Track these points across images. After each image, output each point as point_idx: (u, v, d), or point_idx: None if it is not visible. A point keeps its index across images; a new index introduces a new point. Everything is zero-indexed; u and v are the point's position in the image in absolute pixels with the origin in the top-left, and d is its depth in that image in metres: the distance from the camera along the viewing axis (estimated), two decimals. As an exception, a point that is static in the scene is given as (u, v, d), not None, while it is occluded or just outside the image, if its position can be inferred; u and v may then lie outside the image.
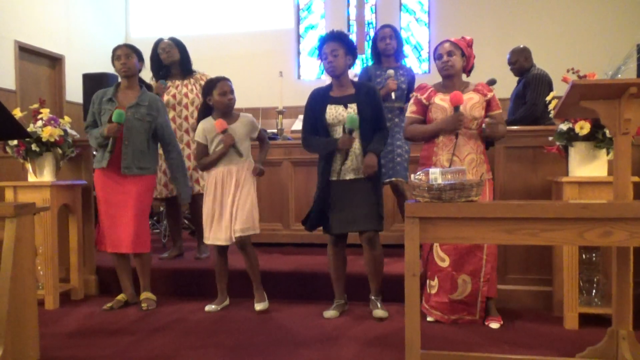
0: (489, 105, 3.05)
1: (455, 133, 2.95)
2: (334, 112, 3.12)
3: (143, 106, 3.41)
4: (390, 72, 3.82)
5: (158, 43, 4.17)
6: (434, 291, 3.09)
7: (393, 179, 3.78)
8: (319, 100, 3.19)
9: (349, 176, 3.10)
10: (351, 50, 3.16)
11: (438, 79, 3.20)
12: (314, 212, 3.19)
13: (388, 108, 3.71)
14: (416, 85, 3.38)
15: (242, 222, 3.24)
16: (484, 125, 3.01)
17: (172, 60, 4.11)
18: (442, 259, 3.06)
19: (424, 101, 3.10)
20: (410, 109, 3.17)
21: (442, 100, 3.04)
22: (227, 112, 3.33)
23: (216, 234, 3.29)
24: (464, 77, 3.17)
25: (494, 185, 3.13)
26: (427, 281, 3.13)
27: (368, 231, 3.12)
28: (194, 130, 4.00)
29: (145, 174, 3.44)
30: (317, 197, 3.18)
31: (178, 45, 4.13)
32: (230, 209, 3.26)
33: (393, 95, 3.78)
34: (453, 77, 3.08)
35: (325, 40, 3.14)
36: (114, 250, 3.42)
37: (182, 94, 4.07)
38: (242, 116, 3.39)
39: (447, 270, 3.03)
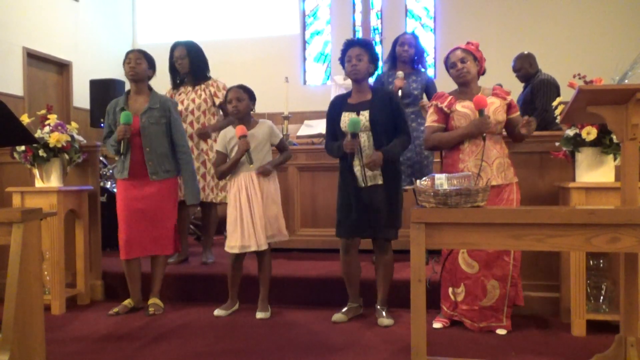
0: (509, 108, 3.06)
1: (482, 136, 2.94)
2: (347, 119, 3.12)
3: (155, 109, 3.42)
4: (400, 73, 3.85)
5: (174, 48, 4.15)
6: (460, 298, 3.06)
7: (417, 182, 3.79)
8: (336, 107, 3.23)
9: (369, 182, 3.10)
10: (374, 60, 3.18)
11: (444, 85, 3.19)
12: (343, 220, 3.17)
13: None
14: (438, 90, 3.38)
15: (270, 229, 3.28)
16: (519, 126, 2.99)
17: (184, 70, 4.13)
18: (471, 266, 3.02)
19: (445, 109, 3.06)
20: (431, 118, 3.11)
21: (464, 107, 3.01)
22: (241, 118, 3.34)
23: (240, 241, 3.26)
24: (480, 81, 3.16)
25: (520, 188, 3.10)
26: (451, 289, 3.09)
27: (381, 239, 3.12)
28: (199, 136, 4.03)
29: (171, 177, 3.47)
30: (341, 204, 3.18)
31: (189, 53, 4.09)
32: (255, 216, 3.25)
33: (400, 93, 3.78)
34: (470, 83, 3.07)
35: (352, 44, 3.18)
36: (140, 254, 3.44)
37: (190, 100, 4.08)
38: (261, 122, 3.42)
39: (476, 276, 3.01)
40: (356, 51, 3.13)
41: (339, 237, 3.21)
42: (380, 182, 3.10)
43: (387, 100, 3.13)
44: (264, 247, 3.27)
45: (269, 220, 3.29)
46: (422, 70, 4.07)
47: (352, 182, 3.13)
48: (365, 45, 3.17)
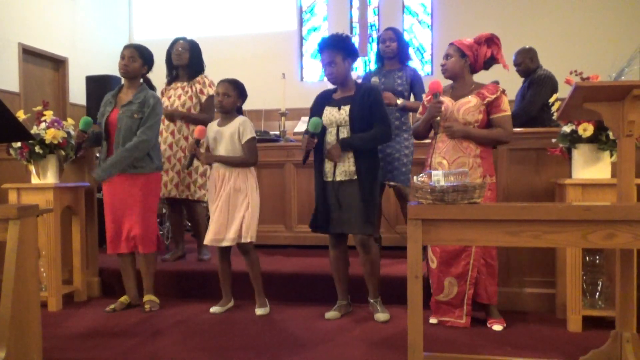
0: (490, 108, 3.00)
1: (435, 122, 2.97)
2: (328, 113, 3.13)
3: (135, 103, 3.38)
4: (375, 79, 3.85)
5: (175, 42, 4.15)
6: (432, 291, 3.14)
7: (392, 182, 3.79)
8: (320, 102, 3.22)
9: (340, 177, 3.10)
10: (349, 53, 3.12)
11: (443, 81, 3.19)
12: (315, 213, 3.20)
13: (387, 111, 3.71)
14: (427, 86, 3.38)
15: (237, 230, 3.25)
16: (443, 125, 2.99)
17: (181, 63, 4.11)
18: (432, 260, 3.10)
19: (426, 103, 3.12)
20: (419, 110, 3.24)
21: (448, 101, 3.05)
22: (224, 112, 3.36)
23: (214, 235, 3.29)
24: (476, 77, 3.14)
25: (496, 192, 3.09)
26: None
27: (357, 235, 3.11)
28: (180, 132, 4.02)
29: (146, 172, 3.39)
30: (316, 198, 3.21)
31: (191, 48, 4.11)
32: (228, 213, 3.27)
33: (400, 101, 3.78)
34: (456, 78, 3.09)
35: (321, 48, 3.12)
36: (124, 250, 3.43)
37: (176, 96, 4.08)
38: (237, 118, 3.37)
39: (435, 271, 3.08)
40: (326, 57, 3.08)
41: (322, 232, 3.21)
42: (355, 177, 3.07)
43: (367, 95, 3.09)
44: (231, 242, 3.26)
45: (234, 218, 3.26)
46: (407, 64, 4.01)
47: (325, 176, 3.14)
48: (333, 45, 3.08)
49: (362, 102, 3.08)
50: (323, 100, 3.20)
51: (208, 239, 3.32)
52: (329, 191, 3.13)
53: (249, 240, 3.27)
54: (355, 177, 3.06)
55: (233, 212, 3.27)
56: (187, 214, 4.26)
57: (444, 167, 2.97)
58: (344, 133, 3.09)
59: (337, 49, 3.08)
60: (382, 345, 2.75)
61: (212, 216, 3.34)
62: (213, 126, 3.40)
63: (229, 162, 3.30)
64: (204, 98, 4.05)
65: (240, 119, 3.36)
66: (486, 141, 3.01)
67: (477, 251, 2.98)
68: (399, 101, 3.79)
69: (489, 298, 3.04)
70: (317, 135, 3.07)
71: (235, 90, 3.35)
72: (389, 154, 3.77)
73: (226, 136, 3.32)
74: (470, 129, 2.98)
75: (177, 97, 4.08)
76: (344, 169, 3.09)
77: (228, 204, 3.27)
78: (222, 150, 3.32)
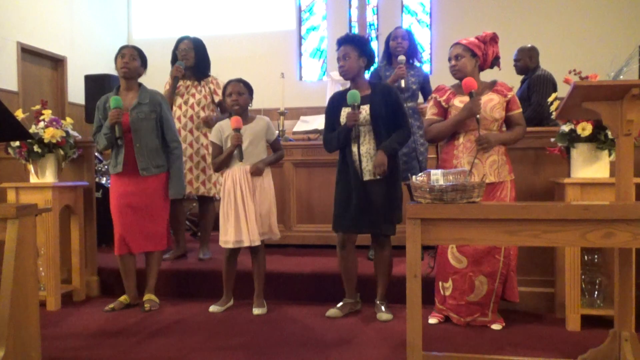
0: (508, 105, 3.03)
1: (476, 119, 2.91)
2: (346, 115, 3.10)
3: (145, 104, 3.40)
4: (402, 57, 3.82)
5: (179, 42, 4.17)
6: (448, 293, 3.08)
7: (409, 182, 3.80)
8: (335, 104, 3.21)
9: (366, 177, 3.09)
10: (365, 52, 3.14)
11: (441, 80, 3.19)
12: (339, 213, 3.16)
13: None
14: (433, 86, 3.37)
15: (261, 227, 3.28)
16: (478, 146, 2.96)
17: (187, 63, 4.12)
18: (459, 260, 3.04)
19: (443, 104, 3.08)
20: (431, 111, 3.14)
21: (461, 102, 3.01)
22: (239, 113, 3.34)
23: (233, 236, 3.25)
24: (482, 75, 3.13)
25: (515, 185, 3.10)
26: (440, 283, 3.12)
27: (380, 235, 3.12)
28: (198, 129, 4.04)
29: (162, 172, 3.44)
30: (338, 199, 3.17)
31: (196, 48, 4.13)
32: (249, 212, 3.24)
33: (402, 83, 3.77)
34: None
35: (339, 43, 3.16)
36: (136, 251, 3.43)
37: (190, 94, 4.09)
38: (259, 118, 3.41)
39: (464, 271, 3.02)
40: (342, 51, 3.12)
41: (335, 231, 3.21)
42: (378, 177, 3.08)
43: (386, 95, 3.11)
44: (257, 242, 3.26)
45: (261, 217, 3.29)
46: (418, 65, 4.06)
47: (351, 176, 3.10)
48: (352, 42, 3.12)
49: (382, 101, 3.08)
50: (338, 103, 3.19)
51: (230, 242, 3.25)
52: (354, 191, 3.10)
53: (277, 237, 3.37)
54: (379, 177, 3.07)
55: (259, 211, 3.28)
56: (200, 211, 4.27)
57: (478, 166, 2.96)
58: (365, 132, 3.09)
59: (354, 44, 3.12)
60: (382, 345, 2.75)
61: (228, 217, 3.27)
62: (226, 124, 3.36)
63: (272, 163, 3.43)
64: (217, 98, 4.09)
65: (262, 118, 3.41)
66: (514, 142, 3.06)
67: (507, 248, 2.98)
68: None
69: (514, 295, 3.05)
70: (359, 106, 3.06)
71: (246, 88, 3.37)
72: (405, 153, 3.78)
73: (249, 135, 3.31)
74: (501, 135, 3.01)
75: (191, 95, 4.09)
76: (369, 169, 3.09)
77: (251, 204, 3.25)
78: (245, 149, 3.29)
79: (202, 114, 4.06)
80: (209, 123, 4.01)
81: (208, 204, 4.18)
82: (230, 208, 3.27)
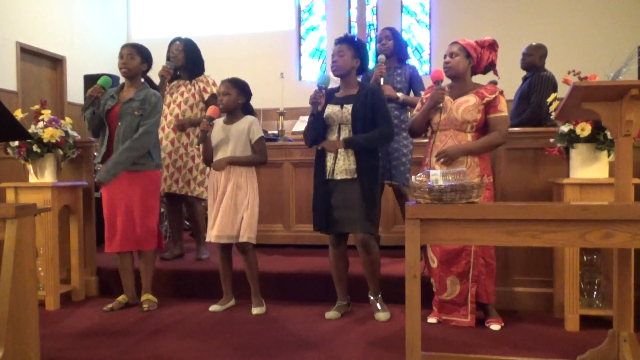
0: (488, 107, 3.00)
1: (438, 108, 2.96)
2: (330, 111, 3.13)
3: (137, 101, 3.38)
4: (381, 57, 3.82)
5: (171, 43, 4.18)
6: (434, 290, 3.13)
7: (392, 181, 3.80)
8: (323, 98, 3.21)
9: (340, 176, 3.10)
10: (360, 54, 3.16)
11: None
12: (315, 212, 3.19)
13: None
14: (424, 78, 3.40)
15: (236, 228, 3.26)
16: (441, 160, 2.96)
17: (177, 64, 4.13)
18: (432, 260, 3.10)
19: (425, 99, 3.13)
20: (417, 107, 3.23)
21: (448, 101, 3.04)
22: (227, 111, 3.37)
23: (218, 232, 3.27)
24: (475, 78, 3.13)
25: (493, 191, 3.08)
26: (432, 280, 3.16)
27: (359, 234, 3.10)
28: (180, 128, 4.03)
29: (146, 169, 3.38)
30: (314, 197, 3.20)
31: (186, 49, 4.12)
32: (224, 208, 3.26)
33: (382, 81, 3.77)
34: (457, 78, 3.07)
35: (336, 42, 3.19)
36: (123, 249, 3.41)
37: (179, 93, 4.11)
38: (245, 118, 3.39)
39: (436, 271, 3.08)
40: (338, 48, 3.15)
41: (315, 230, 3.22)
42: (355, 176, 3.07)
43: (370, 95, 3.11)
44: (233, 240, 3.26)
45: (235, 216, 3.27)
46: (405, 62, 4.01)
47: (326, 175, 3.13)
48: (348, 41, 3.16)
49: (365, 101, 3.08)
50: (326, 98, 3.20)
51: (212, 236, 3.29)
52: (329, 190, 3.13)
53: (246, 239, 3.27)
54: (356, 175, 3.06)
55: (234, 210, 3.27)
56: (187, 212, 4.27)
57: (443, 166, 2.96)
58: (346, 132, 3.09)
59: (351, 45, 3.15)
60: (381, 345, 2.76)
61: (211, 213, 3.33)
62: (219, 124, 3.38)
63: (241, 163, 3.31)
64: (206, 96, 4.08)
65: (249, 118, 3.39)
66: (484, 150, 3.00)
67: (477, 250, 2.98)
68: (399, 94, 3.80)
69: (487, 297, 3.04)
70: (324, 89, 3.08)
71: (235, 89, 3.35)
72: (389, 153, 3.77)
73: (234, 134, 3.33)
74: (464, 145, 2.96)
75: (179, 94, 4.10)
76: (344, 168, 3.09)
77: (231, 201, 3.27)
78: (230, 148, 3.32)
79: (188, 113, 4.06)
80: (180, 126, 4.03)
81: (195, 205, 4.16)
82: (212, 203, 3.33)
